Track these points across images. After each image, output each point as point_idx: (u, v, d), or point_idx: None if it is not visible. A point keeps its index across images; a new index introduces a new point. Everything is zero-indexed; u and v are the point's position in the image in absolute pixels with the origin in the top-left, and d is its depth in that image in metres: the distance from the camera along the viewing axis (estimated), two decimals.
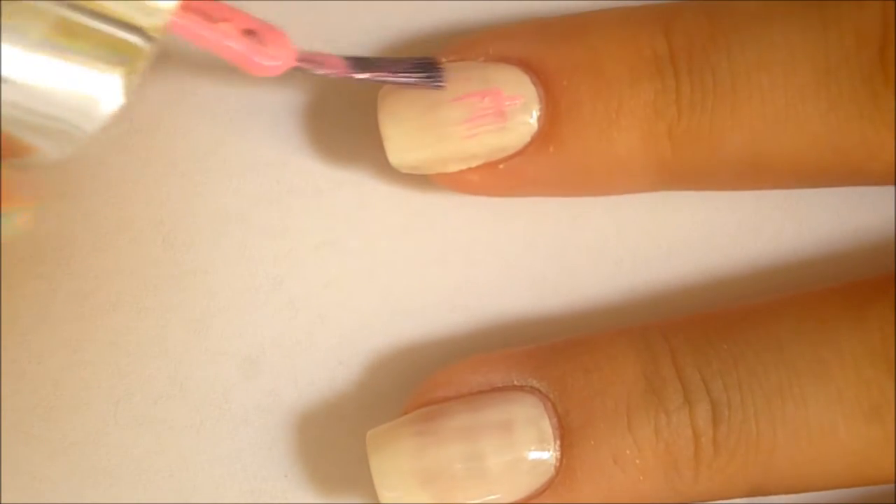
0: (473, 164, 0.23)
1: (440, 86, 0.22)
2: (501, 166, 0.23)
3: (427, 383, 0.23)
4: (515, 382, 0.23)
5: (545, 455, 0.22)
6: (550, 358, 0.23)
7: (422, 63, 0.22)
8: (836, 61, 0.22)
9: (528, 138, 0.22)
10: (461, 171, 0.23)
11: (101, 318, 0.25)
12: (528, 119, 0.22)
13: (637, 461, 0.22)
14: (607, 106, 0.22)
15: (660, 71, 0.22)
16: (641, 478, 0.22)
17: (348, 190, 0.25)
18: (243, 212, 0.25)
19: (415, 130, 0.22)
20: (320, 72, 0.21)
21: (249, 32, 0.19)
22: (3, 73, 0.16)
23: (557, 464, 0.22)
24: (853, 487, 0.23)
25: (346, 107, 0.25)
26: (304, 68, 0.20)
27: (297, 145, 0.25)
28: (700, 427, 0.22)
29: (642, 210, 0.25)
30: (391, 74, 0.22)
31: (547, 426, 0.22)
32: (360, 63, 0.21)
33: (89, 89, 0.17)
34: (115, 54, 0.17)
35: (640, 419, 0.22)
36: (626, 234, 0.25)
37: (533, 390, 0.23)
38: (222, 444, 0.25)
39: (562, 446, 0.22)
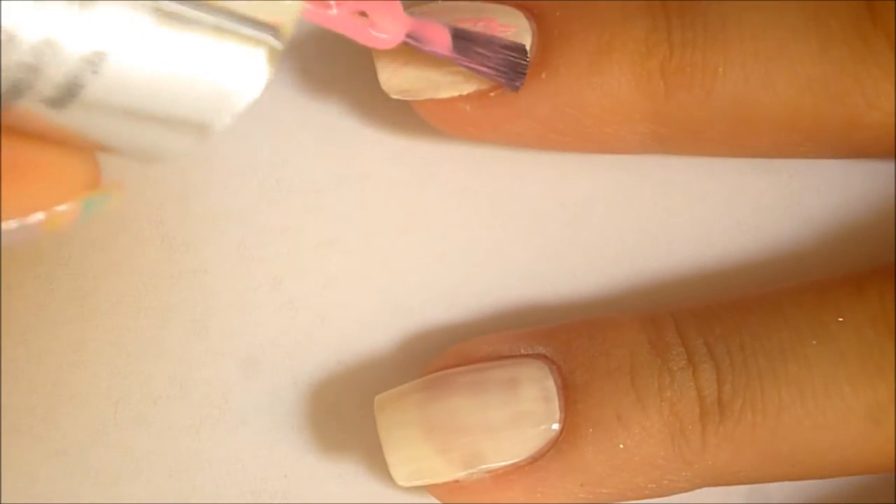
0: (465, 91, 0.23)
1: (517, 87, 0.22)
2: (493, 94, 0.23)
3: (437, 359, 0.24)
4: (523, 351, 0.23)
5: (549, 412, 0.22)
6: (556, 330, 0.23)
7: (511, 56, 0.22)
8: (825, 6, 0.22)
9: None
10: (453, 99, 0.23)
11: (100, 317, 0.25)
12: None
13: (641, 420, 0.22)
14: (598, 39, 0.22)
15: (651, 11, 0.22)
16: (646, 438, 0.22)
17: (348, 189, 0.25)
18: (243, 212, 0.25)
19: (407, 48, 0.22)
20: (427, 49, 0.21)
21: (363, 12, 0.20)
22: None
23: (561, 423, 0.22)
24: (863, 467, 0.22)
25: (347, 106, 0.25)
26: (412, 45, 0.21)
27: (296, 145, 0.25)
28: (704, 388, 0.22)
29: (641, 209, 0.25)
30: (480, 65, 0.22)
31: (551, 384, 0.22)
32: (463, 37, 0.21)
33: (225, 78, 0.16)
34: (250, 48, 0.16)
35: (644, 378, 0.22)
36: (625, 234, 0.25)
37: (539, 356, 0.23)
38: (222, 444, 0.25)
39: (566, 404, 0.22)
